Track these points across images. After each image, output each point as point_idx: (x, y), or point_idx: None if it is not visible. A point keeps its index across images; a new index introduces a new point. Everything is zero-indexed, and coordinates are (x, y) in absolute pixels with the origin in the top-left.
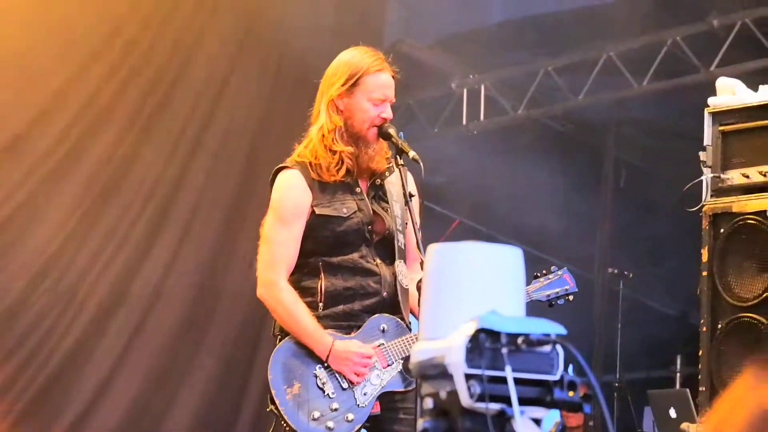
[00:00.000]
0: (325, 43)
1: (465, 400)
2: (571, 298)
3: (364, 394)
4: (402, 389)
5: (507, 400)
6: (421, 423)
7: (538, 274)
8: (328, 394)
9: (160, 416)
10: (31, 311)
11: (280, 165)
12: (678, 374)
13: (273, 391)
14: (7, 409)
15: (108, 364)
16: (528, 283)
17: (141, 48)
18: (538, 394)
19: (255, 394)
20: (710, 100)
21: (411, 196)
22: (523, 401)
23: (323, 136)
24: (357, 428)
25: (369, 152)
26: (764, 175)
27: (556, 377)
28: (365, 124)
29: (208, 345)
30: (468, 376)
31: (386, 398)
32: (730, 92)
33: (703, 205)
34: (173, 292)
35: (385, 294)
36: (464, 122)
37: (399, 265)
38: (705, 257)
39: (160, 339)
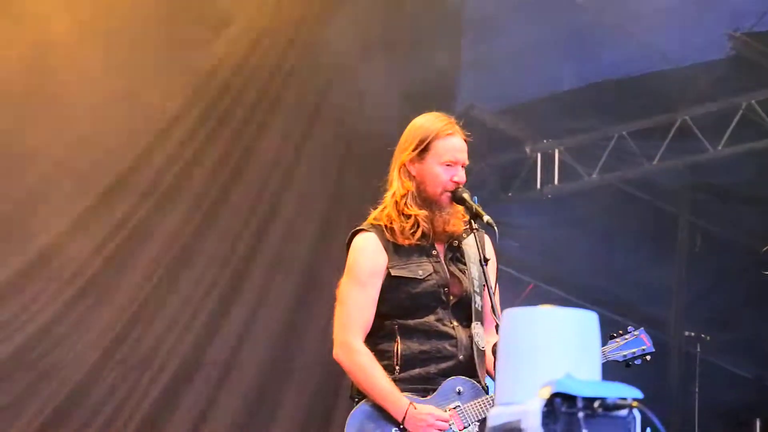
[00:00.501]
0: (398, 111)
1: None
2: (648, 358)
3: None
4: None
5: None
6: None
7: (615, 335)
8: None
9: None
10: (104, 384)
11: (356, 228)
12: None
13: None
14: None
15: (185, 430)
16: (604, 343)
17: (211, 122)
18: None
19: None
20: None
21: (487, 260)
22: None
23: (397, 201)
24: None
25: (443, 216)
26: None
27: None
28: (438, 188)
29: (282, 415)
30: None
31: None
32: None
33: None
34: (247, 362)
35: (461, 357)
36: (538, 187)
37: (476, 327)
38: None
39: (234, 409)
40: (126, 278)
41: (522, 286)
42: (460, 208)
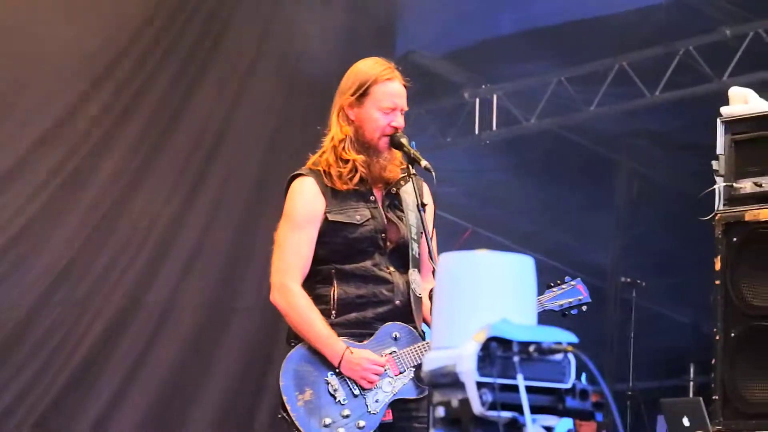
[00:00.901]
0: (337, 55)
1: (477, 408)
2: (584, 308)
3: (376, 401)
4: (415, 397)
5: (519, 408)
6: (433, 431)
7: (552, 284)
8: (339, 401)
9: (174, 429)
10: (43, 324)
11: (294, 173)
12: (691, 383)
13: (284, 398)
14: (20, 422)
15: (120, 377)
16: (541, 292)
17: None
18: (550, 403)
19: (268, 403)
20: (723, 110)
21: (424, 205)
22: (534, 409)
23: (335, 145)
24: None
25: (381, 161)
26: None
27: (568, 385)
28: (376, 133)
29: (221, 359)
30: (480, 385)
31: (399, 406)
32: (743, 101)
33: (715, 214)
34: (186, 304)
35: (398, 302)
36: (477, 132)
37: (413, 273)
38: (718, 266)
39: (172, 352)
40: (64, 222)
41: (460, 232)
42: (398, 153)
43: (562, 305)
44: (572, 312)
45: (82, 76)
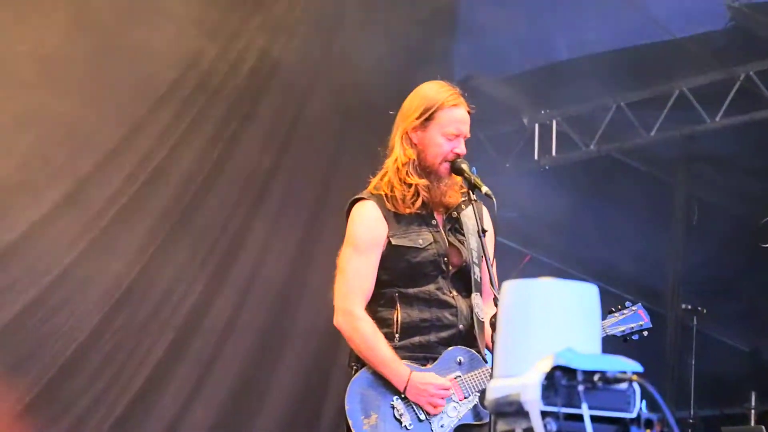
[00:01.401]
0: (397, 80)
1: None
2: (645, 333)
3: (441, 426)
4: (475, 422)
5: None
6: None
7: (613, 309)
8: (405, 426)
9: None
10: (103, 350)
11: (356, 197)
12: (753, 411)
13: (350, 422)
14: None
15: (179, 402)
16: (603, 318)
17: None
18: None
19: (326, 429)
20: None
21: (484, 231)
22: None
23: (398, 168)
24: None
25: (442, 186)
26: None
27: (633, 415)
28: (438, 158)
29: (278, 382)
30: (544, 414)
31: (464, 431)
32: None
33: None
34: (244, 329)
35: (461, 326)
36: (536, 157)
37: (475, 297)
38: None
39: (231, 377)
40: (123, 248)
41: (519, 258)
42: (459, 179)
43: (623, 331)
44: (633, 337)
45: (139, 103)
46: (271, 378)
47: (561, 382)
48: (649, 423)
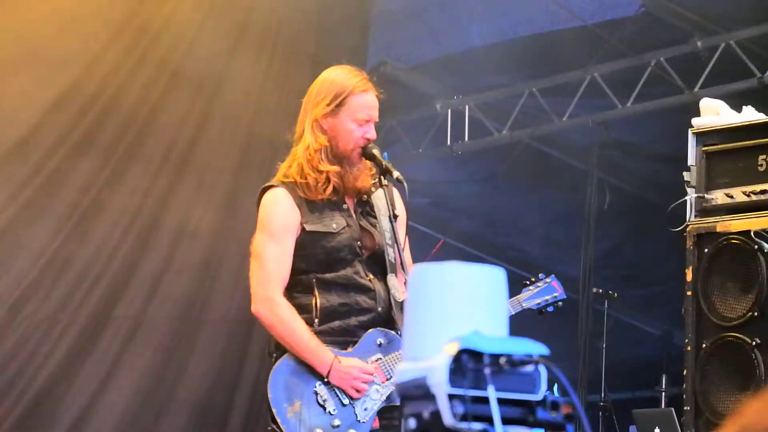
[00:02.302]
0: (307, 65)
1: (448, 420)
2: (560, 304)
3: (365, 410)
4: (396, 404)
5: (490, 420)
6: None
7: (528, 282)
8: (329, 411)
9: None
10: (10, 340)
11: (266, 184)
12: (663, 394)
13: (274, 410)
14: None
15: (89, 391)
16: (518, 291)
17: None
18: (521, 414)
19: (241, 415)
20: (694, 121)
21: (396, 216)
22: (506, 421)
23: (310, 156)
24: None
25: (353, 171)
26: (748, 196)
27: (539, 397)
28: (350, 144)
29: (191, 370)
30: (451, 397)
31: (385, 413)
32: (714, 113)
33: (687, 226)
34: (155, 317)
35: (379, 309)
36: (449, 143)
37: (391, 279)
38: (689, 277)
39: (143, 365)
40: (30, 238)
41: (432, 243)
42: (369, 164)
43: (539, 303)
44: (549, 309)
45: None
46: (183, 368)
47: (468, 365)
48: (555, 405)
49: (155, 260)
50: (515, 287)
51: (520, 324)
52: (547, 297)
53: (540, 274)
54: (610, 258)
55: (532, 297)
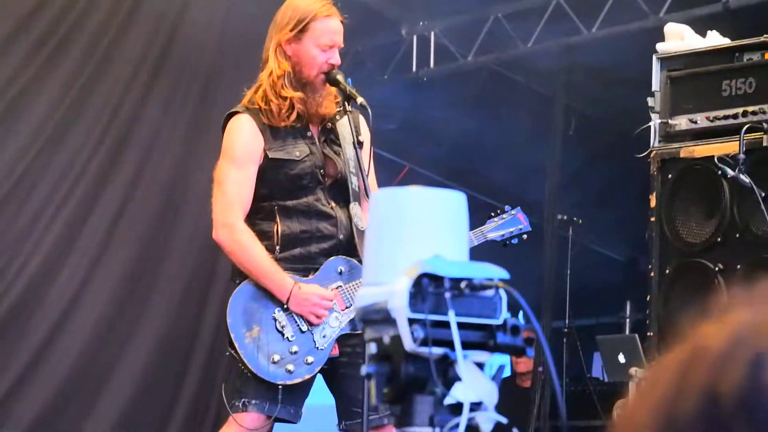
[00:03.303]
0: None
1: (408, 344)
2: (525, 236)
3: (323, 337)
4: (359, 331)
5: (450, 344)
6: (364, 368)
7: (493, 214)
8: (287, 337)
9: (110, 366)
10: None
11: (231, 110)
12: (627, 320)
13: (232, 335)
14: None
15: (55, 316)
16: (483, 223)
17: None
18: (482, 339)
19: (206, 341)
20: (659, 46)
21: (360, 143)
22: (466, 345)
23: (273, 82)
24: (316, 370)
25: (317, 98)
26: (711, 121)
27: (499, 321)
28: (313, 70)
29: (157, 297)
30: (411, 321)
31: (344, 341)
32: (679, 38)
33: (651, 151)
34: (122, 241)
35: (341, 236)
36: (414, 69)
37: (354, 207)
38: (653, 203)
39: (109, 290)
40: None
41: (398, 169)
42: (333, 90)
43: (503, 235)
44: (513, 241)
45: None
46: (150, 294)
47: (428, 289)
48: (515, 329)
49: (121, 184)
50: (480, 212)
51: (484, 252)
52: (511, 229)
53: (506, 206)
54: (575, 184)
55: (496, 228)
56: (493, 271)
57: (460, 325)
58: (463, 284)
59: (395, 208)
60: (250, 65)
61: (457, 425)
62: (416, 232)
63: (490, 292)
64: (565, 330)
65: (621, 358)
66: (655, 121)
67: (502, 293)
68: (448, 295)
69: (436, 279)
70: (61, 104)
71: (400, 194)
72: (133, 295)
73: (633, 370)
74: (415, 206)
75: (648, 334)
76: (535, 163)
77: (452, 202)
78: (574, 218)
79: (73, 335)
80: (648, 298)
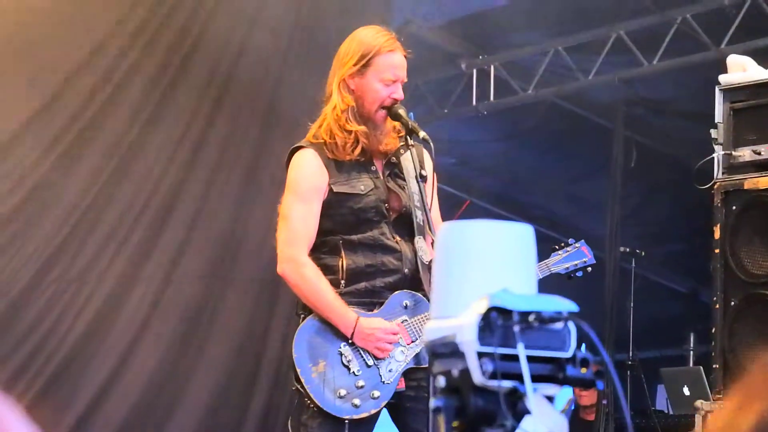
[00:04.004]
0: (334, 26)
1: (477, 378)
2: (589, 269)
3: (390, 371)
4: (424, 365)
5: (519, 377)
6: (433, 401)
7: (557, 247)
8: (353, 372)
9: (173, 400)
10: (39, 301)
11: (296, 145)
12: (691, 352)
13: (298, 370)
14: (18, 398)
15: (119, 351)
16: (547, 256)
17: (149, 30)
18: (551, 372)
19: (269, 377)
20: (721, 78)
21: (424, 177)
22: (535, 378)
23: (337, 116)
24: (383, 405)
25: (377, 134)
26: None
27: (569, 354)
28: (376, 104)
29: (218, 329)
30: (480, 354)
31: (410, 375)
32: (741, 69)
33: (714, 183)
34: (182, 279)
35: (406, 271)
36: (474, 103)
37: (419, 241)
38: (717, 234)
39: (170, 326)
40: (58, 200)
41: (457, 203)
42: (396, 124)
43: (567, 268)
44: (577, 274)
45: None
46: (210, 328)
47: (497, 322)
48: (584, 362)
49: (181, 223)
50: (541, 245)
51: (548, 286)
52: (576, 262)
53: (570, 239)
54: (636, 216)
55: (560, 261)
56: (561, 304)
57: (529, 358)
58: (531, 317)
59: (463, 241)
60: (308, 97)
61: None
62: (485, 266)
63: (558, 325)
64: (629, 362)
65: (685, 391)
66: (718, 152)
67: (571, 326)
68: (516, 328)
69: (504, 312)
70: (123, 140)
71: (468, 228)
72: (196, 330)
73: (698, 403)
74: (484, 240)
75: (713, 366)
76: (596, 195)
77: (520, 235)
78: (637, 250)
79: (137, 373)
80: (713, 330)
